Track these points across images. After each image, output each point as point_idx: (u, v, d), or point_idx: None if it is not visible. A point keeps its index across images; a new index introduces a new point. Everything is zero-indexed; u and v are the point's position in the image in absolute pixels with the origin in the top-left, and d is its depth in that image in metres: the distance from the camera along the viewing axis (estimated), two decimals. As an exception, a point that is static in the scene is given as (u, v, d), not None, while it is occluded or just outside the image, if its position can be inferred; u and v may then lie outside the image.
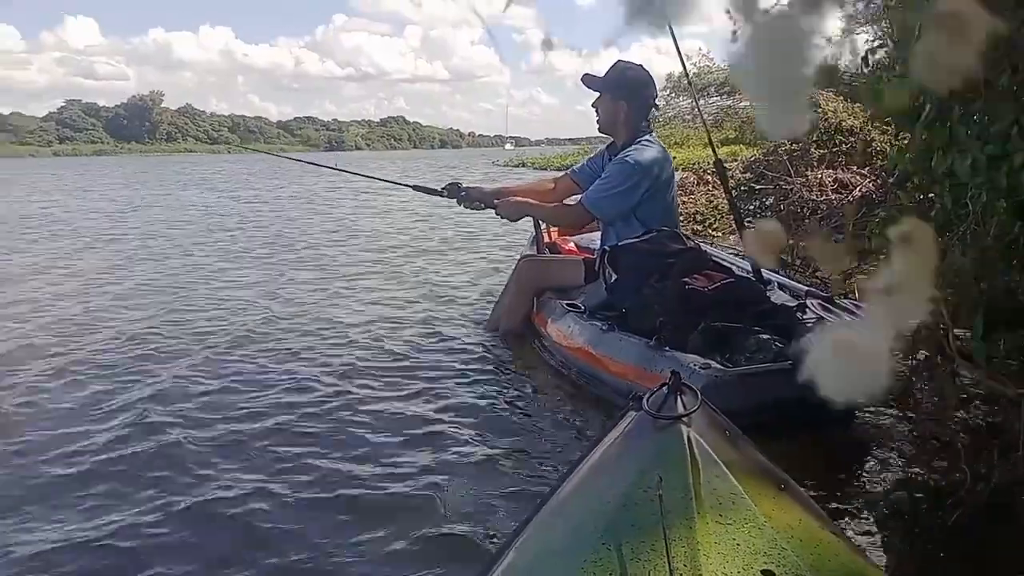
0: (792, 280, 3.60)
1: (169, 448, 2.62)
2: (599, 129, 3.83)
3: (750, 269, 3.40)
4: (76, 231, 9.85)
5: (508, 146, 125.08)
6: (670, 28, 3.31)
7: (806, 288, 3.35)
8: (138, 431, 2.77)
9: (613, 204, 3.54)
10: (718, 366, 2.50)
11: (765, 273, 3.42)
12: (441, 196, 4.05)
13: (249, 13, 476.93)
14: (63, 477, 2.42)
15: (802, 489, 1.22)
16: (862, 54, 2.46)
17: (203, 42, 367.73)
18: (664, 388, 1.21)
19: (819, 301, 3.14)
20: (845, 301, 3.16)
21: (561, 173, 4.29)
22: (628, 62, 3.72)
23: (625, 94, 3.65)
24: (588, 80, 3.73)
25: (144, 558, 1.95)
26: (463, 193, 3.98)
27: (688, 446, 1.11)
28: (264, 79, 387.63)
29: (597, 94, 3.73)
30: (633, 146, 3.59)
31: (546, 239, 4.37)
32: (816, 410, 2.32)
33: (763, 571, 0.95)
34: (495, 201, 3.91)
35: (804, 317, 2.91)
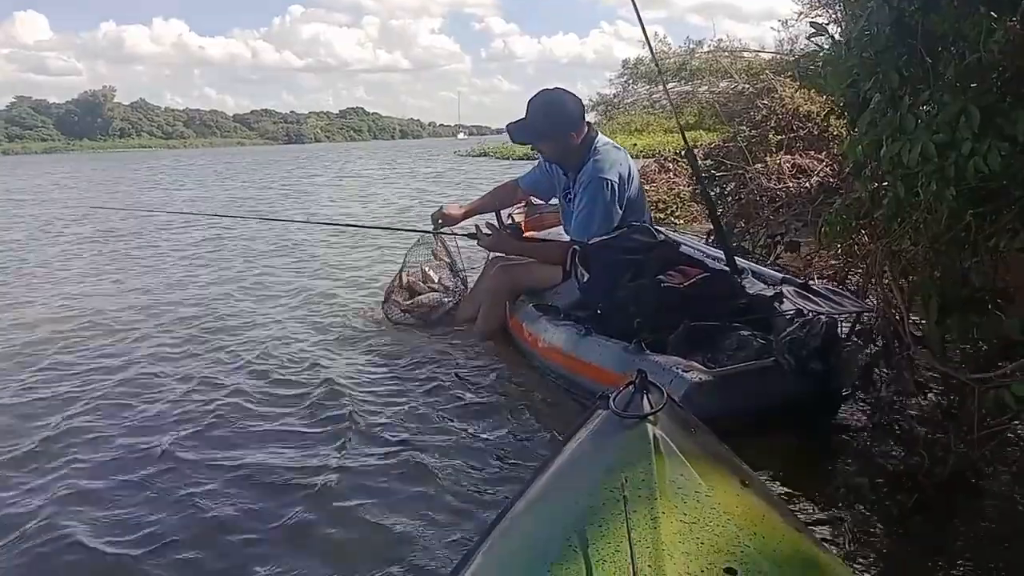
0: (765, 267, 3.57)
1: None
2: (552, 162, 3.71)
3: (723, 259, 3.31)
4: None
5: (461, 135, 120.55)
6: (637, 15, 3.33)
7: (781, 275, 3.30)
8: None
9: (602, 227, 3.41)
10: (701, 368, 2.45)
11: (739, 261, 3.35)
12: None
13: (203, 4, 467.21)
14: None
15: (766, 484, 1.24)
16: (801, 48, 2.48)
17: (156, 35, 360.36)
18: (631, 387, 1.22)
19: (795, 288, 3.10)
20: (820, 286, 3.14)
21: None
22: (540, 97, 3.51)
23: (565, 128, 3.47)
24: (520, 137, 3.57)
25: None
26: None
27: (653, 445, 1.11)
28: (221, 71, 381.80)
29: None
30: (592, 159, 3.46)
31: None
32: (801, 405, 2.37)
33: (726, 569, 0.96)
34: (483, 236, 3.83)
35: (782, 308, 2.87)
